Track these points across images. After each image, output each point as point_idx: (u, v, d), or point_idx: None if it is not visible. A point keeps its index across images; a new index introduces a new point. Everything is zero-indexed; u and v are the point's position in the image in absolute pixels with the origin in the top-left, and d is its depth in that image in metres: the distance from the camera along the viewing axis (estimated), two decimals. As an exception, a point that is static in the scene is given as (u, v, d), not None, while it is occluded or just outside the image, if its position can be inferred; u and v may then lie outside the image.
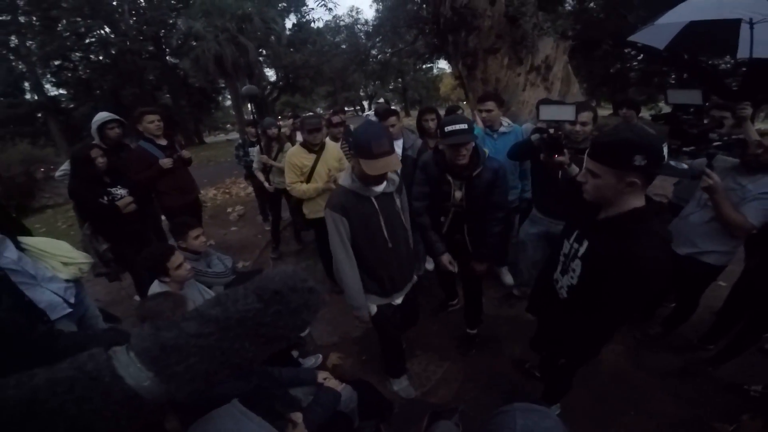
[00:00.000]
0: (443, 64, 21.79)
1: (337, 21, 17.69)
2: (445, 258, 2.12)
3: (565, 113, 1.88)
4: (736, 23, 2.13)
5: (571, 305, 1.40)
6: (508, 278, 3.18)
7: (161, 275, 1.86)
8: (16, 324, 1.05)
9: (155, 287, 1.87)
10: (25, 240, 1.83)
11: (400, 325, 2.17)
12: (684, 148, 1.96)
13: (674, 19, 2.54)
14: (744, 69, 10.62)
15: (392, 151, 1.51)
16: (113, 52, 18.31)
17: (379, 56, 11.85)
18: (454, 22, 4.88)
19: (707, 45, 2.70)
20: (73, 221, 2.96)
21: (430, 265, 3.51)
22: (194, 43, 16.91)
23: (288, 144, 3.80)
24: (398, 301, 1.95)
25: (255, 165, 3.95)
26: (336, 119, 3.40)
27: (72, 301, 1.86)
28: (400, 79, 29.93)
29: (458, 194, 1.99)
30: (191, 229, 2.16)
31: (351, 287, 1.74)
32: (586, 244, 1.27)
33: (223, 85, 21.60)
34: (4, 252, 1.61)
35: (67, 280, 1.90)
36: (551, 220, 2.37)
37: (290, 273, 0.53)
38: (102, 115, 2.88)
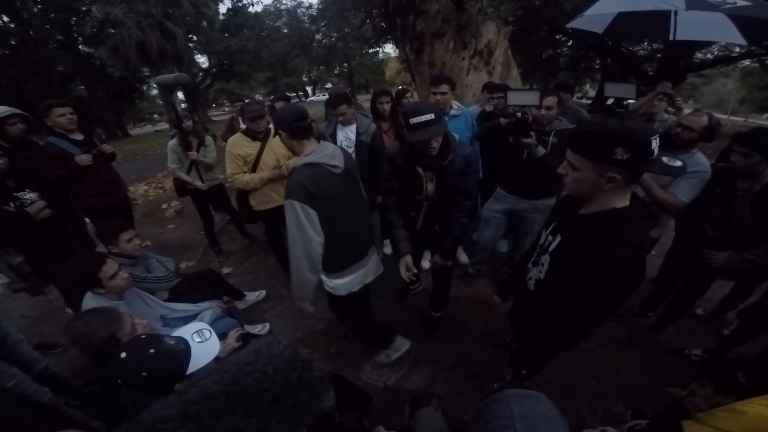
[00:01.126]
0: (388, 49, 21.76)
1: (278, 5, 16.79)
2: (403, 262, 2.01)
3: (531, 98, 1.95)
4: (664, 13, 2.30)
5: (536, 300, 1.36)
6: (463, 257, 3.28)
7: (93, 287, 1.65)
8: None
9: (89, 300, 1.65)
10: None
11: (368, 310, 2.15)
12: None
13: (603, 10, 2.72)
14: (659, 55, 11.96)
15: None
16: (13, 42, 15.88)
17: (324, 40, 11.47)
18: (403, 6, 4.87)
19: (638, 31, 2.91)
20: (-26, 235, 2.51)
21: (388, 249, 3.52)
22: (112, 31, 15.14)
23: (209, 137, 3.46)
24: (370, 279, 1.98)
25: (172, 165, 3.27)
26: (278, 104, 3.22)
27: None
28: (345, 64, 29.35)
29: (430, 187, 1.87)
30: (122, 231, 1.94)
31: (301, 279, 1.69)
32: (558, 238, 1.20)
33: (147, 74, 19.65)
34: None
35: None
36: (515, 198, 2.45)
37: (288, 359, 0.47)
38: None
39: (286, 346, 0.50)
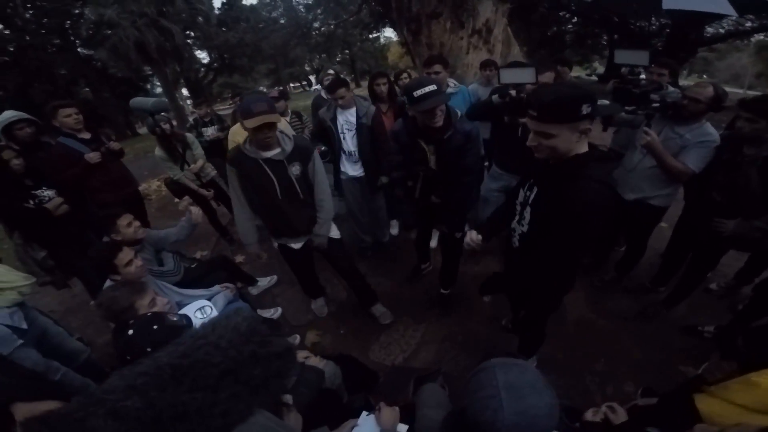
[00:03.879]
0: (389, 33, 21.39)
1: (273, -5, 16.62)
2: (413, 233, 2.12)
3: (526, 75, 1.90)
4: None
5: (523, 253, 1.45)
6: (473, 235, 3.29)
7: (111, 274, 1.74)
8: None
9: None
10: None
11: (335, 264, 2.38)
12: (626, 107, 2.05)
13: None
14: (668, 30, 11.58)
15: (270, 111, 1.69)
16: (11, 49, 15.97)
17: (322, 28, 11.36)
18: None
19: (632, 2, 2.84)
20: (1, 233, 2.62)
21: (394, 231, 3.56)
22: (109, 32, 15.13)
23: (189, 135, 3.48)
24: (296, 245, 2.17)
25: (172, 173, 3.29)
26: (274, 93, 3.26)
27: (24, 326, 1.70)
28: (347, 51, 28.98)
29: (432, 160, 1.96)
30: (118, 217, 2.00)
31: (240, 226, 2.09)
32: (536, 190, 1.32)
33: (150, 73, 19.68)
34: None
35: (8, 306, 1.71)
36: (512, 176, 2.45)
37: (244, 333, 0.44)
38: (6, 115, 2.51)
39: (244, 319, 0.47)
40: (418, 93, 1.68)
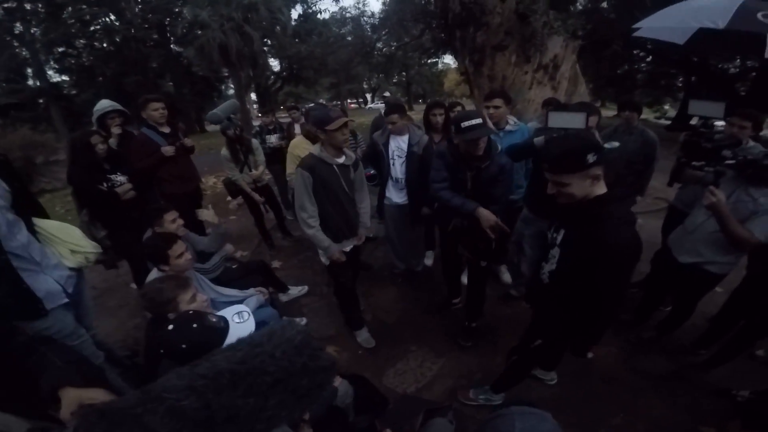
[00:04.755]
0: (448, 59, 21.65)
1: (344, 12, 17.55)
2: (482, 214, 2.03)
3: (576, 121, 1.81)
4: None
5: (552, 288, 1.55)
6: (507, 277, 3.17)
7: (161, 264, 1.85)
8: None
9: (154, 275, 1.86)
10: (38, 222, 1.77)
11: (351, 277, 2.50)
12: (693, 162, 1.91)
13: (661, 24, 2.59)
14: (754, 74, 10.55)
15: (344, 114, 2.05)
16: (117, 39, 18.12)
17: (384, 49, 11.77)
18: (463, 18, 4.84)
19: (727, 47, 2.68)
20: (71, 207, 2.94)
21: (429, 261, 3.50)
22: (199, 32, 16.68)
23: (254, 141, 3.65)
24: (347, 248, 2.34)
25: (232, 173, 3.51)
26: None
27: (70, 290, 1.81)
28: (404, 73, 29.73)
29: (470, 185, 2.10)
30: (166, 212, 2.14)
31: (315, 233, 2.16)
32: (562, 232, 1.44)
33: (226, 74, 21.45)
34: (16, 234, 1.54)
35: (71, 269, 1.85)
36: (545, 222, 2.35)
37: (297, 345, 0.48)
38: (103, 104, 2.83)
39: (298, 332, 0.50)
40: (465, 124, 1.85)
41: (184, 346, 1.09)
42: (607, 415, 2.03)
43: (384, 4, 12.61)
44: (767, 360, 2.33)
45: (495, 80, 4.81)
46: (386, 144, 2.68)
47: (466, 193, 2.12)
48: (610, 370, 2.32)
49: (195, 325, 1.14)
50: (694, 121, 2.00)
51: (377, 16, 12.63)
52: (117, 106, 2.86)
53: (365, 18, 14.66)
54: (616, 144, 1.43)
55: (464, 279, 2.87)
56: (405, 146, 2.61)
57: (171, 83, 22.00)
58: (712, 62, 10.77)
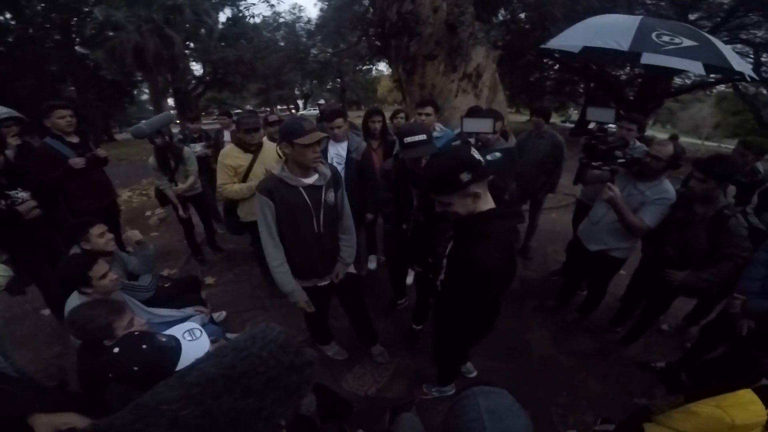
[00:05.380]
0: (382, 66, 22.19)
1: (277, 17, 17.11)
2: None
3: (485, 125, 2.10)
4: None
5: (442, 299, 1.58)
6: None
7: (82, 286, 1.68)
8: None
9: (74, 300, 1.68)
10: None
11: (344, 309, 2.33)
12: (592, 163, 2.26)
13: (571, 42, 2.94)
14: (639, 80, 12.53)
15: (317, 128, 1.68)
16: (10, 39, 15.68)
17: (319, 55, 11.71)
18: (399, 27, 5.05)
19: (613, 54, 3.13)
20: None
21: (372, 265, 3.59)
22: (111, 33, 15.14)
23: (187, 149, 3.45)
24: (322, 283, 2.01)
25: (158, 181, 3.32)
26: (273, 118, 3.31)
27: None
28: (339, 80, 29.77)
29: (416, 202, 2.06)
30: (92, 226, 1.97)
31: (277, 274, 1.83)
32: (451, 243, 1.44)
33: (140, 78, 19.55)
34: None
35: None
36: None
37: (281, 345, 0.50)
38: None
39: (279, 333, 0.53)
40: (408, 140, 1.79)
41: (135, 368, 1.05)
42: (552, 394, 2.24)
43: (321, 10, 12.61)
44: (672, 333, 2.75)
45: (425, 88, 5.09)
46: (325, 150, 2.71)
47: (413, 212, 2.09)
48: (545, 353, 2.58)
49: (144, 346, 1.09)
50: (591, 126, 2.37)
51: (314, 22, 12.57)
52: (14, 113, 2.50)
53: (301, 24, 14.48)
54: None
55: (408, 280, 3.00)
56: (344, 153, 2.65)
57: (73, 87, 19.40)
58: (607, 69, 12.55)
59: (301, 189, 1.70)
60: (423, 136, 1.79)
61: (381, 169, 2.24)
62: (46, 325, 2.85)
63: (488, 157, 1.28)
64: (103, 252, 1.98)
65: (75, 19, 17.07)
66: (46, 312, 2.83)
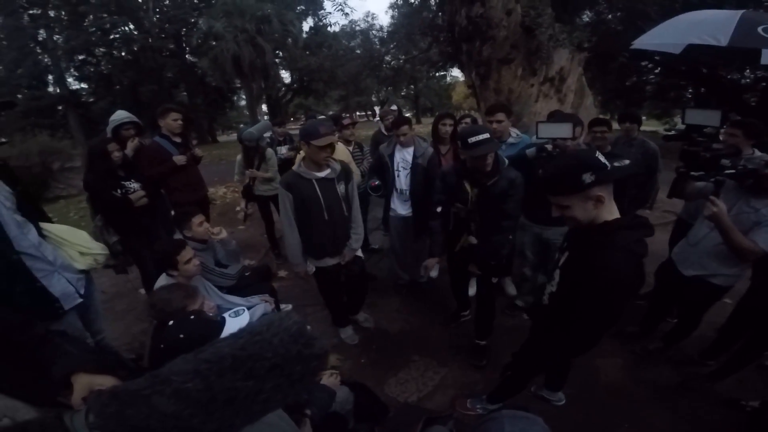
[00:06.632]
0: (456, 73, 21.84)
1: (353, 26, 17.93)
2: (429, 263, 2.37)
3: (563, 131, 2.00)
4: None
5: (550, 312, 1.48)
6: (511, 288, 3.16)
7: (170, 269, 1.90)
8: (9, 323, 1.05)
9: (162, 281, 1.90)
10: (46, 226, 1.81)
11: (347, 287, 2.60)
12: (692, 172, 1.88)
13: (661, 40, 2.61)
14: (764, 84, 10.44)
15: (333, 133, 2.07)
16: (135, 48, 18.74)
17: (392, 62, 11.94)
18: (469, 32, 4.90)
19: (717, 55, 2.69)
20: (85, 212, 3.02)
21: (433, 273, 3.50)
22: (214, 43, 17.19)
23: (270, 150, 3.78)
24: (331, 262, 2.32)
25: (238, 179, 3.86)
26: (346, 121, 3.44)
27: (82, 292, 1.85)
28: (412, 86, 30.02)
29: (472, 201, 2.07)
30: (193, 215, 2.19)
31: (290, 248, 2.23)
32: (566, 255, 1.38)
33: (238, 85, 21.92)
34: (27, 235, 1.59)
35: (80, 271, 1.89)
36: (541, 227, 2.49)
37: (293, 333, 0.50)
38: (120, 115, 2.90)
39: (294, 323, 0.53)
40: (472, 140, 1.83)
41: (182, 336, 1.14)
42: (610, 426, 2.01)
43: (392, 18, 12.89)
44: None
45: (501, 93, 4.84)
46: (392, 156, 2.73)
47: (463, 211, 2.14)
48: (615, 381, 2.30)
49: (192, 317, 1.21)
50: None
51: (386, 29, 12.90)
52: (133, 117, 2.96)
53: (374, 31, 14.98)
54: (626, 161, 1.32)
55: (471, 291, 2.88)
56: (410, 158, 2.66)
57: (185, 93, 22.57)
58: (721, 73, 10.69)
59: (314, 181, 2.05)
60: (486, 135, 1.84)
61: (440, 171, 2.29)
62: (140, 303, 3.29)
63: (615, 163, 1.19)
64: (202, 240, 2.22)
65: (184, 29, 19.67)
66: (143, 291, 3.25)
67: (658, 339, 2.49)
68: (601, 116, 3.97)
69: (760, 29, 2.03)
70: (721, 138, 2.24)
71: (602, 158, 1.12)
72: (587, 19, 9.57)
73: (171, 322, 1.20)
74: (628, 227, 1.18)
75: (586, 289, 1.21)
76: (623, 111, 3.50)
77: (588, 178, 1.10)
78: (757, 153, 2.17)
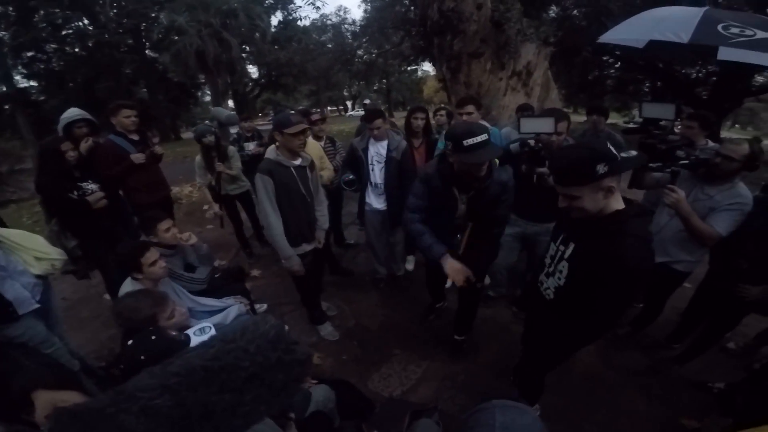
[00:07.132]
0: (428, 67, 22.03)
1: (324, 20, 17.62)
2: (448, 262, 1.87)
3: (545, 126, 1.94)
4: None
5: (558, 306, 1.45)
6: (486, 279, 3.23)
7: (134, 272, 1.80)
8: None
9: (127, 285, 1.81)
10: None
11: (313, 274, 2.58)
12: (650, 164, 1.97)
13: (627, 35, 2.67)
14: (714, 78, 11.22)
15: (303, 121, 2.11)
16: (90, 44, 17.62)
17: (364, 56, 11.86)
18: (441, 25, 4.93)
19: (677, 51, 2.83)
20: (39, 217, 2.81)
21: (410, 265, 3.53)
22: (176, 38, 16.39)
23: (232, 148, 3.64)
24: (309, 248, 2.38)
25: (199, 180, 3.61)
26: (315, 116, 3.36)
27: (38, 298, 1.78)
28: (384, 80, 29.99)
29: (462, 208, 1.88)
30: (160, 221, 2.09)
31: (278, 237, 2.16)
32: (572, 246, 1.33)
33: (203, 81, 21.08)
34: None
35: (37, 276, 1.83)
36: (527, 222, 2.48)
37: (271, 339, 0.48)
38: (72, 113, 2.72)
39: (272, 327, 0.50)
40: (468, 142, 1.53)
41: (142, 357, 1.08)
42: (590, 411, 2.09)
43: (365, 11, 12.77)
44: (738, 352, 2.45)
45: (471, 87, 4.92)
46: (365, 149, 2.71)
47: (455, 220, 1.94)
48: (589, 368, 2.39)
49: (153, 337, 1.14)
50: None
51: (358, 23, 12.77)
52: (86, 115, 2.76)
53: (346, 25, 14.78)
54: (633, 153, 1.32)
55: (448, 284, 2.89)
56: (384, 152, 2.64)
57: (145, 89, 21.44)
58: (676, 67, 11.36)
59: (292, 169, 2.13)
60: (485, 136, 1.55)
61: (422, 172, 2.07)
62: (106, 309, 3.10)
63: (623, 154, 1.20)
64: (169, 246, 2.11)
65: (144, 24, 18.68)
66: (108, 297, 3.06)
67: (626, 324, 2.61)
68: (557, 108, 4.09)
69: (719, 27, 2.13)
70: (677, 130, 2.38)
71: (613, 149, 1.14)
72: (553, 15, 9.89)
73: (130, 342, 1.14)
74: (636, 215, 1.21)
75: (604, 277, 1.20)
76: (591, 104, 3.65)
77: (602, 168, 1.11)
78: (710, 143, 2.33)
